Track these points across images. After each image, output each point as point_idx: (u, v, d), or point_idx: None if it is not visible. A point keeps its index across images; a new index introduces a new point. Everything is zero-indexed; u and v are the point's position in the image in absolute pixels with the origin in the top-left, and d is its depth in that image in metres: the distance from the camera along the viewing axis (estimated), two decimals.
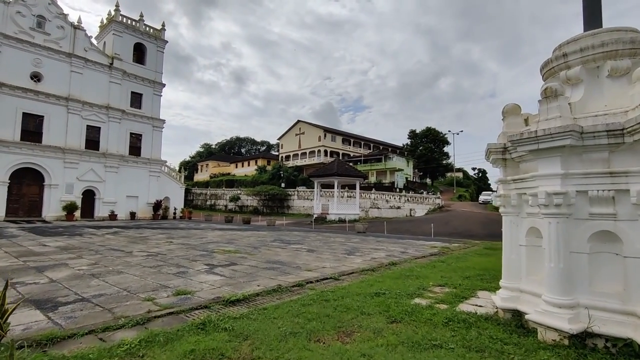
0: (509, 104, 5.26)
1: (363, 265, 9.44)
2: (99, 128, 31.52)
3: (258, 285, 6.85)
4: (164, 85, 36.54)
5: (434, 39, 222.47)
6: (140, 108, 34.59)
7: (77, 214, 29.11)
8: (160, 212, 35.31)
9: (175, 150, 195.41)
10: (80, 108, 30.14)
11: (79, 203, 29.36)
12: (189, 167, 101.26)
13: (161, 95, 36.40)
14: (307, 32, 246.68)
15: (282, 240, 15.99)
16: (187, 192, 69.56)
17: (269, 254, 11.46)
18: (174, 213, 36.85)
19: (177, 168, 44.01)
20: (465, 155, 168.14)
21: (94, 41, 33.80)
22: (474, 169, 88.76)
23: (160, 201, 35.19)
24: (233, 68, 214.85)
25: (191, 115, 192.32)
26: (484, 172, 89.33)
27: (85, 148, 30.52)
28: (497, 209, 28.91)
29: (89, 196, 30.85)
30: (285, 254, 11.55)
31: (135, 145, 34.27)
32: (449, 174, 76.50)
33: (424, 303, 5.80)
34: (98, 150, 31.33)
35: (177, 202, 37.91)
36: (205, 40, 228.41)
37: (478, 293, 6.63)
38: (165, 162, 37.10)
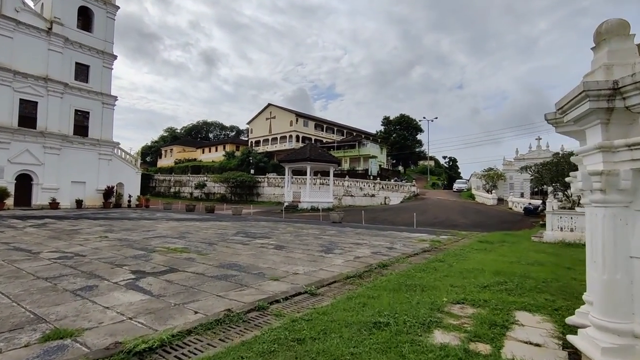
0: (611, 20, 3.15)
1: (347, 269, 7.28)
2: (36, 103, 27.27)
3: (195, 312, 4.50)
4: (115, 57, 32.38)
5: (405, 29, 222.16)
6: (87, 82, 30.42)
7: (10, 201, 25.12)
8: (113, 199, 31.68)
9: (140, 136, 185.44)
10: (11, 78, 25.78)
11: (11, 189, 25.28)
12: (152, 153, 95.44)
13: (112, 69, 32.26)
14: (280, 16, 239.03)
15: (246, 234, 13.59)
16: (150, 178, 65.33)
17: (226, 253, 9.06)
18: (129, 201, 33.27)
19: (139, 153, 39.95)
20: (435, 144, 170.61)
21: (30, 1, 29.14)
22: (444, 157, 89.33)
23: (112, 188, 31.50)
24: (202, 49, 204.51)
25: (157, 99, 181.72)
26: (454, 160, 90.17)
27: (19, 125, 26.30)
28: (472, 196, 27.63)
29: (24, 181, 26.78)
30: (247, 252, 9.20)
31: (81, 125, 30.22)
32: (421, 162, 76.19)
33: (452, 342, 3.71)
34: (35, 128, 27.15)
35: (132, 189, 34.26)
36: (172, 17, 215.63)
37: (516, 316, 4.64)
38: (118, 144, 33.22)
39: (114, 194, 31.96)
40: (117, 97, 32.27)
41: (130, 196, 33.51)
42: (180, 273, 6.64)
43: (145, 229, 14.34)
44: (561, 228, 12.34)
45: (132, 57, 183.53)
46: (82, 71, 30.23)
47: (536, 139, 37.80)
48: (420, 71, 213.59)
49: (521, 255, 9.59)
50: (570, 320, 3.93)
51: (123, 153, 35.04)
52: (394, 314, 4.50)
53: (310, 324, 4.13)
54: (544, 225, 18.07)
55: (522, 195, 36.25)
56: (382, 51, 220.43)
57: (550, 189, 33.66)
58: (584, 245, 11.36)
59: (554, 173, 19.00)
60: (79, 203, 29.21)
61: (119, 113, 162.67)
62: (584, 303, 5.03)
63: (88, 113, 30.54)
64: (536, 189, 44.94)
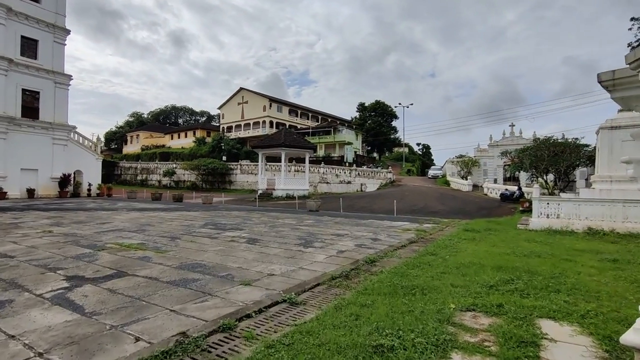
0: None
1: (331, 268, 6.30)
2: None
3: (136, 340, 3.36)
4: (68, 31, 29.35)
5: (379, 15, 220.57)
6: (35, 58, 27.42)
7: None
8: (70, 188, 29.19)
9: (105, 121, 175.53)
10: None
11: None
12: (117, 139, 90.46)
13: (65, 44, 29.25)
14: None
15: (216, 225, 12.35)
16: (114, 166, 61.80)
17: (190, 249, 7.86)
18: (89, 190, 30.81)
19: (99, 138, 37.03)
20: (408, 131, 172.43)
21: None
22: (418, 144, 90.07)
23: (69, 176, 28.98)
24: (171, 30, 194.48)
25: (123, 83, 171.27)
26: (428, 147, 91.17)
27: None
28: (447, 183, 27.54)
29: None
30: (215, 248, 8.03)
31: (31, 106, 27.33)
32: (396, 149, 76.31)
33: None
34: None
35: (92, 177, 31.74)
36: None
37: (542, 327, 3.82)
38: (74, 127, 30.47)
39: (72, 182, 29.45)
40: (71, 76, 29.41)
41: (90, 185, 31.03)
42: (128, 278, 5.42)
43: (101, 221, 12.78)
44: (547, 215, 11.91)
45: (93, 37, 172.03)
46: (29, 46, 27.17)
47: (510, 126, 38.25)
48: (394, 59, 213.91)
49: (513, 245, 8.98)
50: (626, 340, 3.12)
51: (81, 138, 32.30)
52: (397, 331, 3.56)
53: (291, 352, 3.11)
54: (523, 212, 17.91)
55: (495, 181, 36.61)
56: (356, 37, 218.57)
57: (523, 174, 34.18)
58: (571, 232, 10.89)
59: (533, 158, 18.85)
60: (30, 192, 26.63)
61: (80, 97, 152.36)
62: (606, 305, 4.28)
63: (38, 93, 27.63)
64: (509, 175, 45.86)
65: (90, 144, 33.22)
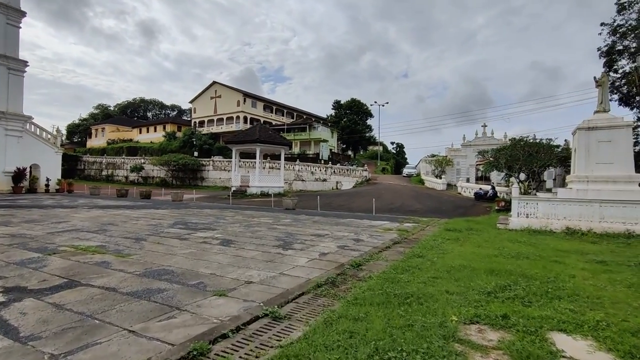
0: None
1: (315, 273, 5.76)
2: None
3: None
4: (23, 13, 27.04)
5: (353, 14, 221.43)
6: None
7: None
8: (25, 183, 27.01)
9: (68, 113, 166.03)
10: None
11: None
12: (81, 132, 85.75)
13: (19, 27, 26.93)
14: None
15: (186, 224, 11.50)
16: (77, 160, 58.46)
17: (157, 252, 7.07)
18: (47, 185, 28.64)
19: (58, 130, 34.53)
20: (382, 130, 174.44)
21: None
22: (392, 143, 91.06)
23: (24, 170, 26.80)
24: (140, 19, 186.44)
25: (88, 74, 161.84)
26: (401, 146, 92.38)
27: None
28: (421, 181, 27.69)
29: None
30: (185, 251, 7.28)
31: None
32: (370, 147, 76.73)
33: None
34: None
35: (51, 172, 29.53)
36: None
37: (555, 342, 3.45)
38: (31, 118, 28.22)
39: (27, 177, 27.26)
40: (27, 62, 27.15)
41: (48, 180, 28.85)
42: (80, 290, 4.64)
43: (57, 220, 11.60)
44: (527, 215, 11.91)
45: (55, 23, 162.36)
46: None
47: (482, 126, 38.94)
48: (369, 58, 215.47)
49: (498, 246, 8.79)
50: None
51: (39, 130, 29.98)
52: (400, 353, 3.06)
53: None
54: (499, 211, 18.10)
55: (468, 180, 37.33)
56: (331, 36, 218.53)
57: (494, 174, 34.98)
58: (550, 232, 10.84)
59: (508, 157, 19.09)
60: None
61: (41, 87, 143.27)
62: (613, 314, 3.99)
63: None
64: (480, 175, 46.98)
65: (49, 136, 30.92)
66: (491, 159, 22.44)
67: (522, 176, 23.35)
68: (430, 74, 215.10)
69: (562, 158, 19.81)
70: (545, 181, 22.85)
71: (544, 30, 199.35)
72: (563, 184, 30.38)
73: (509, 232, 11.37)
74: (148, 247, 7.54)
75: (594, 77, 12.69)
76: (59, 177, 30.16)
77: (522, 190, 15.70)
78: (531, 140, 19.06)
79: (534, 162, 18.34)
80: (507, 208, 18.23)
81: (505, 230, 11.74)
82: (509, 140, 20.56)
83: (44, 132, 30.34)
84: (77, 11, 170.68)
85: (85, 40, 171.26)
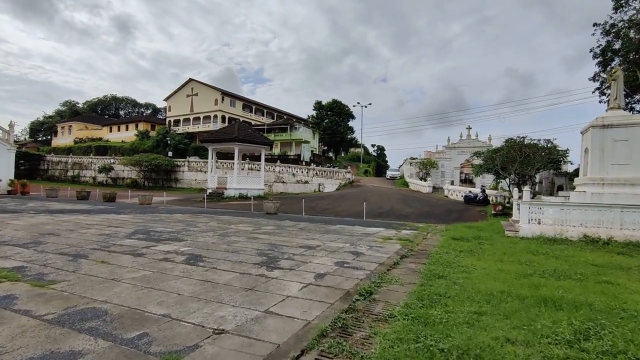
0: None
1: (314, 311, 4.11)
2: None
3: None
4: None
5: (334, 18, 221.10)
6: None
7: None
8: None
9: (35, 111, 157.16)
10: None
11: None
12: (46, 129, 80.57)
13: None
14: None
15: (148, 234, 9.57)
16: (40, 159, 54.47)
17: (95, 277, 5.23)
18: None
19: (11, 125, 31.23)
20: (363, 132, 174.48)
21: None
22: (373, 145, 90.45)
23: None
24: (115, 14, 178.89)
25: (58, 70, 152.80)
26: (382, 148, 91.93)
27: None
28: (405, 184, 26.34)
29: None
30: (134, 274, 5.47)
31: None
32: (352, 149, 75.69)
33: None
34: None
35: (2, 171, 26.50)
36: None
37: None
38: None
39: None
40: None
41: None
42: None
43: None
44: (539, 221, 10.67)
45: (22, 15, 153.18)
46: None
47: (467, 128, 38.40)
48: (348, 62, 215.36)
49: (522, 259, 7.42)
50: None
51: None
52: None
53: None
54: (496, 216, 16.98)
55: (452, 183, 36.57)
56: (312, 39, 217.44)
57: (479, 177, 34.34)
58: (566, 240, 9.47)
59: (505, 159, 18.05)
60: None
61: (6, 83, 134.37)
62: None
63: None
64: (464, 178, 46.56)
65: (1, 131, 27.86)
66: (481, 161, 21.45)
67: (512, 179, 22.51)
68: (408, 79, 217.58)
69: (552, 160, 18.96)
70: (538, 184, 22.03)
71: (515, 40, 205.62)
72: (552, 188, 29.99)
73: (520, 240, 10.09)
74: (86, 268, 5.67)
75: (607, 71, 11.71)
76: (11, 178, 27.14)
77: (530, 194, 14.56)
78: (528, 142, 18.08)
79: (531, 164, 17.36)
80: (504, 213, 17.16)
81: (517, 238, 10.46)
82: (505, 141, 19.52)
83: None
84: (46, 3, 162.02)
85: (56, 35, 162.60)
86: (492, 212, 17.40)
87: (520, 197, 14.57)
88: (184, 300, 4.27)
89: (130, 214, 14.85)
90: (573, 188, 15.24)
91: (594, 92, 27.09)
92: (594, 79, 26.39)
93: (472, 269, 6.45)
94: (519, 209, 12.94)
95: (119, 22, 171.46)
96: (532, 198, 12.24)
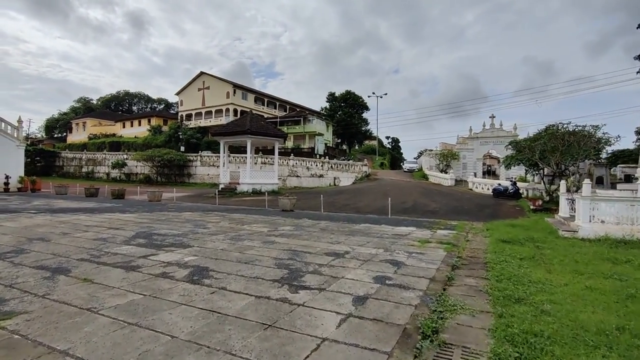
0: None
1: None
2: None
3: None
4: None
5: (345, 10, 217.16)
6: None
7: None
8: None
9: (53, 109, 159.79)
10: None
11: None
12: (61, 126, 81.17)
13: None
14: None
15: (150, 237, 8.40)
16: (56, 156, 54.68)
17: (67, 306, 4.00)
18: (6, 184, 25.11)
19: (20, 121, 30.72)
20: (376, 124, 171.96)
21: None
22: (387, 137, 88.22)
23: None
24: (129, 9, 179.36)
25: (74, 69, 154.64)
26: (397, 140, 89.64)
27: None
28: (424, 177, 24.65)
29: None
30: (120, 300, 4.22)
31: None
32: (366, 142, 73.84)
33: None
34: None
35: (12, 168, 25.98)
36: None
37: None
38: None
39: None
40: None
41: (7, 177, 25.29)
42: None
43: None
44: (602, 220, 9.09)
45: (38, 14, 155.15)
46: None
47: (490, 117, 36.25)
48: (360, 54, 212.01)
49: (605, 271, 5.93)
50: None
51: None
52: None
53: None
54: (535, 211, 15.32)
55: (475, 175, 34.67)
56: (323, 31, 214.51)
57: (502, 170, 32.35)
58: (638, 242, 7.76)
59: (544, 147, 16.28)
60: None
61: (25, 82, 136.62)
62: None
63: None
64: (487, 169, 44.45)
65: (8, 127, 27.27)
66: (512, 151, 19.65)
67: (542, 172, 20.69)
68: (421, 70, 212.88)
69: (599, 150, 17.12)
70: (582, 175, 20.17)
71: (533, 27, 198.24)
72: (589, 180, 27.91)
73: (583, 243, 8.55)
74: (61, 290, 4.46)
75: None
76: (21, 175, 26.59)
77: (567, 187, 12.92)
78: (571, 129, 16.24)
79: (579, 153, 15.57)
80: (544, 208, 15.48)
81: (576, 240, 8.91)
82: (546, 128, 17.61)
83: (3, 123, 26.68)
84: (61, 0, 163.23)
85: (71, 33, 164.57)
86: (531, 207, 15.74)
87: (569, 191, 12.95)
88: (177, 350, 2.99)
89: (136, 213, 13.79)
90: (627, 179, 13.47)
91: (638, 72, 25.10)
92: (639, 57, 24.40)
93: (550, 287, 5.02)
94: (572, 205, 11.34)
95: (133, 18, 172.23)
96: (566, 191, 10.65)
